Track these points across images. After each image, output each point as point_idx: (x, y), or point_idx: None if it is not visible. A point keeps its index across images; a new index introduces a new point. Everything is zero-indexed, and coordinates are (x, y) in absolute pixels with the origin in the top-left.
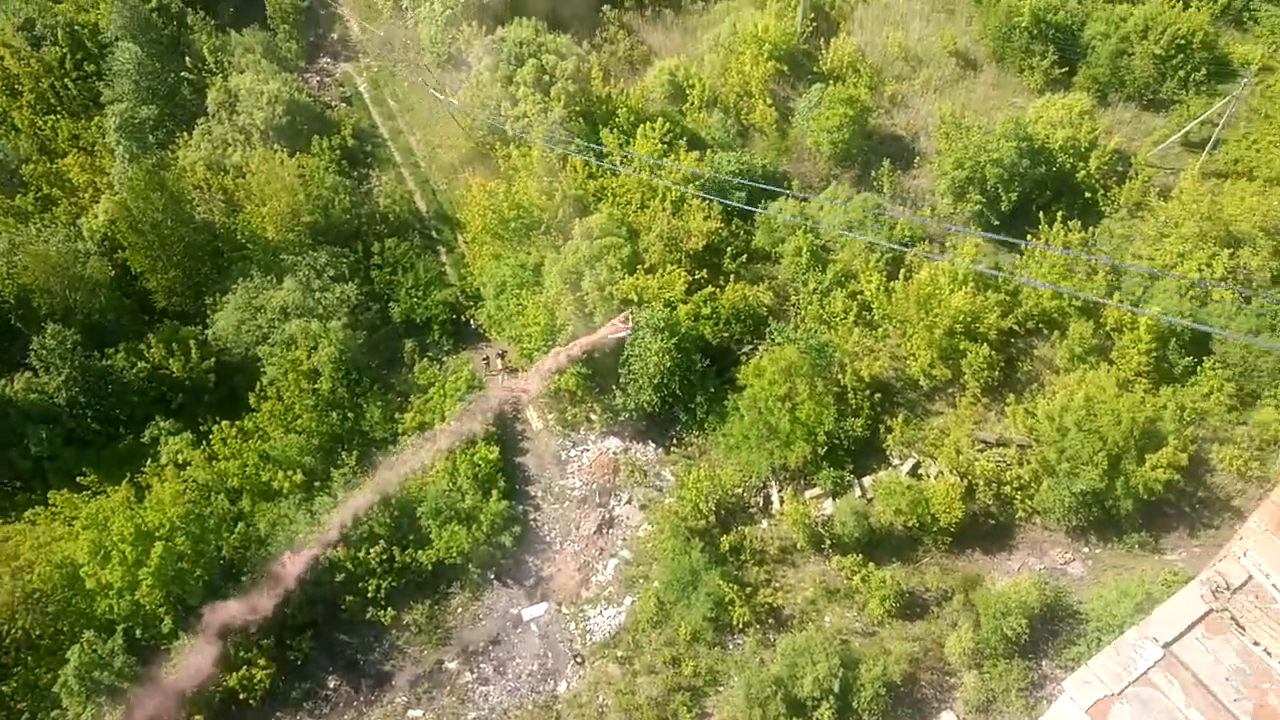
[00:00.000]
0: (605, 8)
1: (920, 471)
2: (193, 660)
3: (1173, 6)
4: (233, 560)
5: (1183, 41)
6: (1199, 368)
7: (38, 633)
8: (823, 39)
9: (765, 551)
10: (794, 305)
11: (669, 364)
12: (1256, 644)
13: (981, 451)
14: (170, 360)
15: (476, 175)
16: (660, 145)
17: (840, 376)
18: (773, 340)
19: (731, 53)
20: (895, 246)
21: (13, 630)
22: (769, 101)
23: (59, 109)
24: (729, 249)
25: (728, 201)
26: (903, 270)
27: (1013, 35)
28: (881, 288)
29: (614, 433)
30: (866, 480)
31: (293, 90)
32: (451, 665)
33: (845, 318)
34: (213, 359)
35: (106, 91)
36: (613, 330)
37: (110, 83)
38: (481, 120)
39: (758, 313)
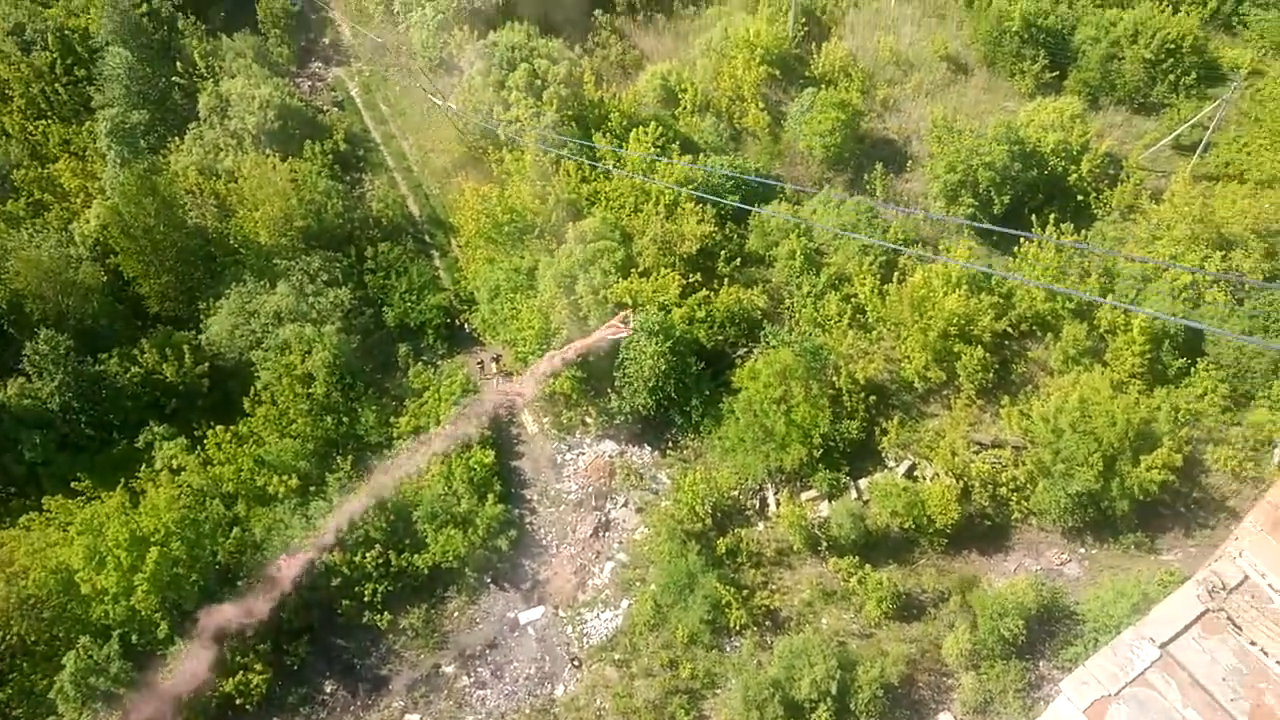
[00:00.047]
0: (597, 12)
1: (916, 473)
2: (189, 665)
3: (1162, 11)
4: (228, 565)
5: (1173, 46)
6: (1193, 369)
7: (33, 639)
8: (814, 43)
9: (762, 554)
10: (788, 308)
11: (664, 367)
12: (1253, 644)
13: (977, 453)
14: (164, 365)
15: (469, 179)
16: (653, 149)
17: (835, 379)
18: (767, 343)
19: (723, 57)
20: (891, 245)
21: (8, 636)
22: (761, 106)
23: (50, 114)
24: (723, 252)
25: (725, 200)
26: (896, 273)
27: (1003, 39)
28: (875, 290)
29: (609, 436)
30: (862, 482)
31: (284, 95)
32: (448, 669)
33: (840, 320)
34: (206, 364)
35: (97, 96)
36: (613, 331)
37: (101, 87)
38: (479, 124)
39: (752, 316)
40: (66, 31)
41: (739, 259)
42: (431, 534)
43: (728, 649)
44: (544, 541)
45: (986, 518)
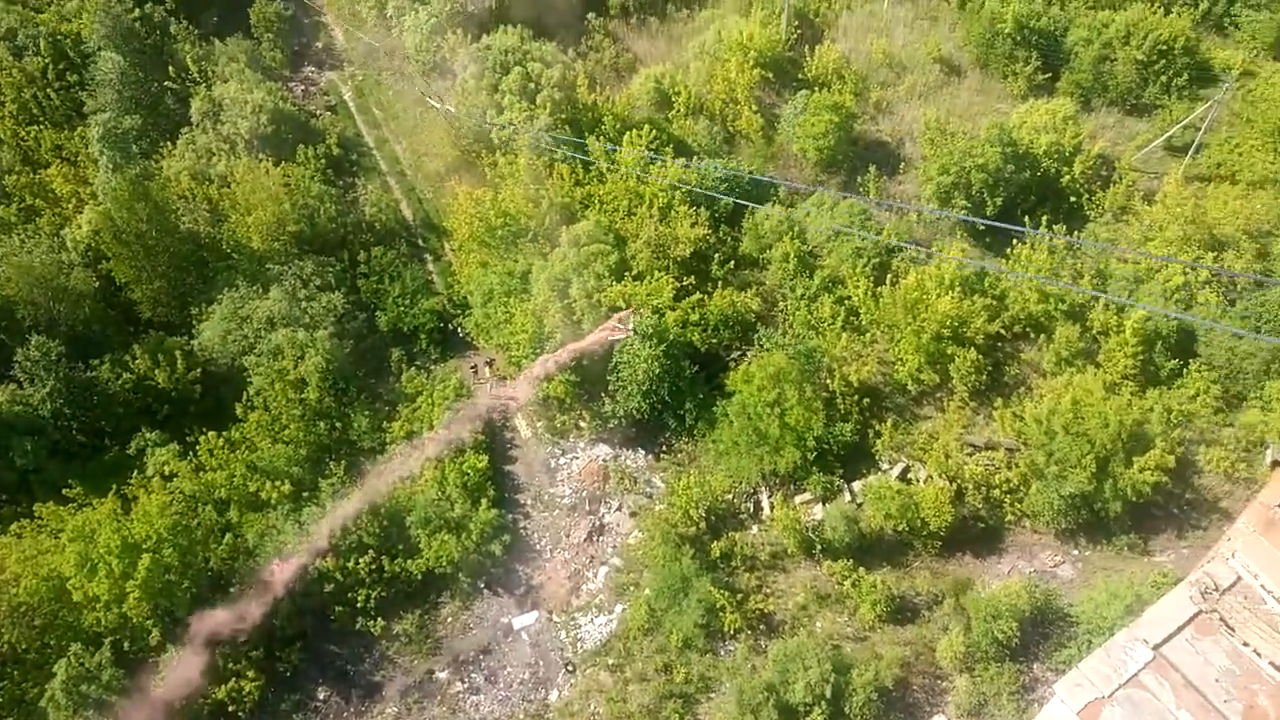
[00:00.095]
0: (590, 16)
1: (909, 476)
2: (181, 671)
3: (1154, 12)
4: (221, 572)
5: (1164, 47)
6: (1185, 370)
7: (24, 647)
8: (807, 46)
9: (756, 557)
10: (782, 311)
11: (658, 370)
12: (1246, 645)
13: (970, 455)
14: (156, 371)
15: (463, 183)
16: (648, 152)
17: (829, 382)
18: (761, 346)
19: (717, 60)
20: (892, 241)
21: None
22: (755, 109)
23: (42, 119)
24: (716, 255)
25: (729, 196)
26: (889, 275)
27: (996, 41)
28: (869, 293)
29: (603, 440)
30: (856, 485)
31: (277, 99)
32: (442, 675)
33: (833, 323)
34: (199, 369)
35: (89, 101)
36: (612, 332)
37: (93, 93)
38: (477, 126)
39: (746, 319)
40: (58, 36)
41: (733, 262)
42: (425, 539)
43: (722, 653)
44: (538, 546)
45: (980, 520)
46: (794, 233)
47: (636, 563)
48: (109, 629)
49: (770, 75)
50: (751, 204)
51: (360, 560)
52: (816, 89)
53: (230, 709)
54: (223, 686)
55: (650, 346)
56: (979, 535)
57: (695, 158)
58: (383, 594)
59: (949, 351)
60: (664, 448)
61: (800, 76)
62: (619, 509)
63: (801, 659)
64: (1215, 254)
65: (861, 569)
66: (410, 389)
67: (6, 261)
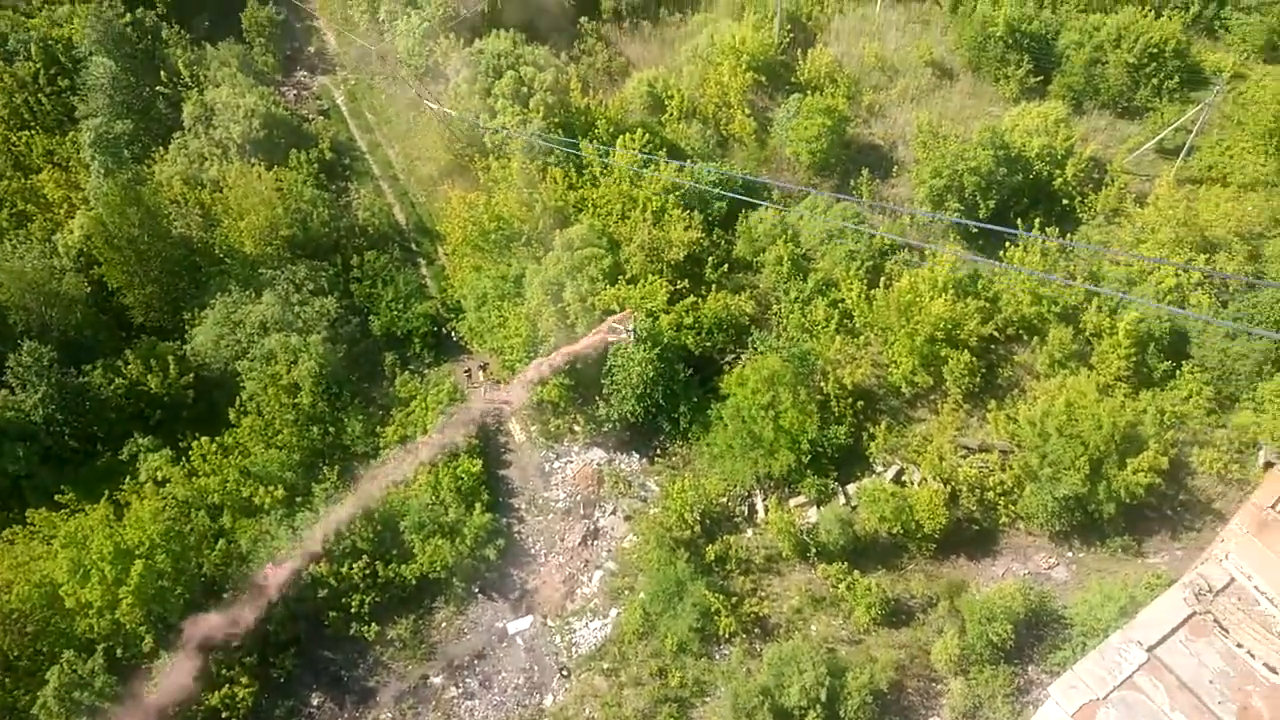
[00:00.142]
0: (583, 19)
1: (904, 478)
2: (174, 677)
3: (1145, 15)
4: (214, 577)
5: (1155, 50)
6: (1178, 372)
7: (16, 654)
8: (800, 50)
9: (751, 561)
10: (776, 314)
11: (652, 374)
12: (1240, 646)
13: (964, 457)
14: (148, 376)
15: (456, 187)
16: (640, 156)
17: (823, 384)
18: (755, 349)
19: (709, 64)
20: (883, 243)
21: None
22: (747, 112)
23: (33, 124)
24: (710, 259)
25: (731, 194)
26: (883, 278)
27: (988, 45)
28: (862, 295)
29: (597, 444)
30: (851, 488)
31: (269, 103)
32: (436, 680)
33: (827, 326)
34: (191, 374)
35: (81, 106)
36: (609, 335)
37: (85, 97)
38: (475, 127)
39: (740, 322)
40: (50, 41)
41: (726, 265)
42: (419, 544)
43: (717, 657)
44: (532, 550)
45: (974, 522)
46: (787, 236)
47: (631, 567)
48: (102, 635)
49: (763, 79)
50: (750, 198)
51: (354, 565)
52: (809, 92)
53: (224, 715)
54: (216, 693)
55: (644, 350)
56: (973, 538)
57: (688, 161)
58: (377, 599)
59: (943, 354)
60: (658, 451)
61: (793, 80)
62: (613, 513)
63: (796, 662)
64: (1207, 256)
65: (856, 572)
66: (404, 393)
67: None
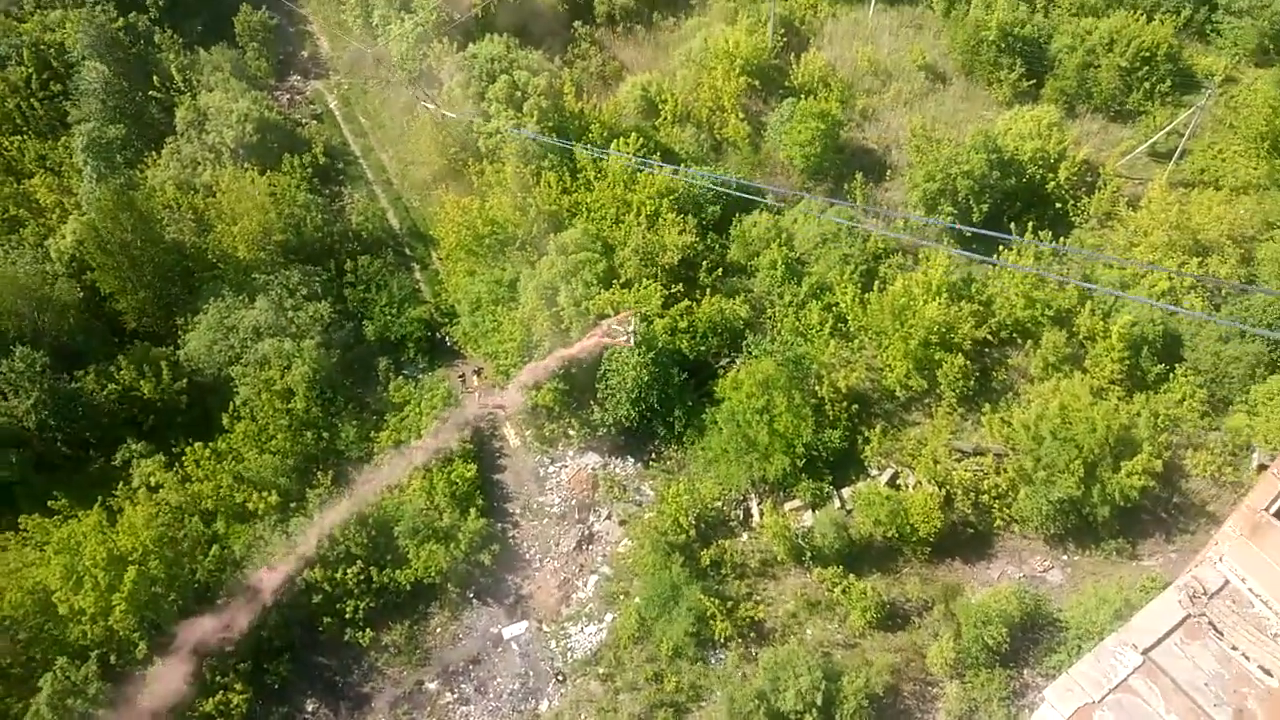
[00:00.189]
0: (576, 24)
1: (898, 482)
2: (167, 682)
3: (1137, 20)
4: (207, 584)
5: (1147, 54)
6: (1171, 375)
7: (9, 661)
8: (793, 54)
9: (746, 565)
10: (770, 318)
11: (646, 378)
12: (1234, 648)
13: (959, 461)
14: (141, 382)
15: (450, 192)
16: (635, 160)
17: (817, 388)
18: (750, 353)
19: (703, 68)
20: (878, 236)
21: None
22: (741, 116)
23: (25, 129)
24: (704, 263)
25: (733, 191)
26: (877, 282)
27: (981, 49)
28: (856, 299)
29: (592, 448)
30: (846, 491)
31: (263, 108)
32: (431, 686)
33: (821, 330)
34: (184, 380)
35: (73, 111)
36: (608, 337)
37: (77, 102)
38: (469, 131)
39: (734, 326)
40: (42, 46)
41: (721, 269)
42: (413, 549)
43: (712, 661)
44: (527, 555)
45: (969, 525)
46: (782, 240)
47: (626, 571)
48: (95, 642)
49: (756, 83)
50: (748, 196)
51: (348, 571)
52: (803, 96)
53: None
54: (210, 699)
55: (639, 354)
56: (968, 541)
57: (682, 165)
58: (371, 605)
59: (937, 357)
60: (653, 455)
61: (786, 84)
62: (608, 517)
63: (792, 666)
64: (1200, 259)
65: (851, 575)
66: (398, 398)
67: None
